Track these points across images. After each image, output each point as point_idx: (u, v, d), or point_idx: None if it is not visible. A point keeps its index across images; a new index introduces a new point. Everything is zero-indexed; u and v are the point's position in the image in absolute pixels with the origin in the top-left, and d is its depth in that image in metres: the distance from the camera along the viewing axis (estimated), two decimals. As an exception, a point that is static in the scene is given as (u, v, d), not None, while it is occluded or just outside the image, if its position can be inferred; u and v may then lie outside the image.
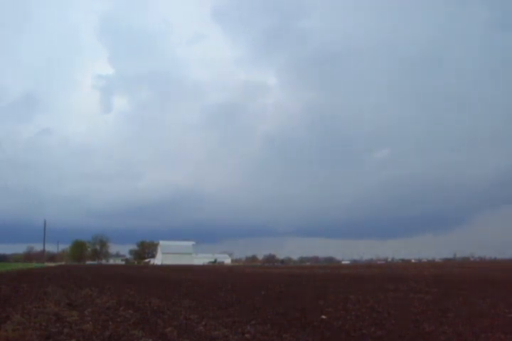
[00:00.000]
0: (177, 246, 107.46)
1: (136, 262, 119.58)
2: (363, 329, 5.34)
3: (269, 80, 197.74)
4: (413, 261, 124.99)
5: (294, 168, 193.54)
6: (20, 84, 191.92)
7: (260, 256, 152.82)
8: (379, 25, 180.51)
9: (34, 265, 60.73)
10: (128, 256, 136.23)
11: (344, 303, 8.06)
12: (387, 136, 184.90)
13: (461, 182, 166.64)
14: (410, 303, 8.03)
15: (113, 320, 6.03)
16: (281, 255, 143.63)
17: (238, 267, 53.20)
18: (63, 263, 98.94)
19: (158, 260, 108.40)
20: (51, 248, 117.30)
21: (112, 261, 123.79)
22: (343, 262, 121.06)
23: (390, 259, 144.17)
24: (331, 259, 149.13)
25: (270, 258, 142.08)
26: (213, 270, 36.77)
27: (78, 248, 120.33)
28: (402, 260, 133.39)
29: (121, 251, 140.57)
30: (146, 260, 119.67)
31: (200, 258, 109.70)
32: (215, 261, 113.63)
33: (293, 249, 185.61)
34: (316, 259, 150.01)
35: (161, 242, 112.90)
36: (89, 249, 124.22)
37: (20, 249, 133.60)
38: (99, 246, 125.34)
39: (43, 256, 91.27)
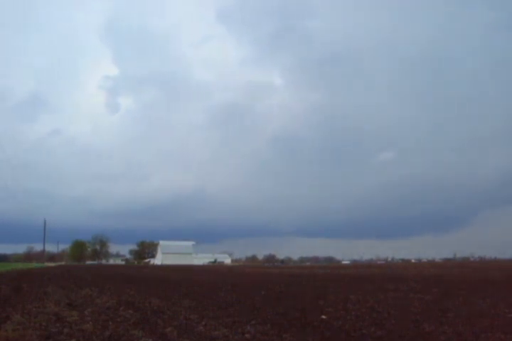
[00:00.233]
0: (177, 246, 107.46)
1: (136, 262, 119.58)
2: (363, 329, 5.34)
3: (274, 81, 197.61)
4: (413, 261, 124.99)
5: (295, 168, 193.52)
6: (25, 84, 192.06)
7: (260, 256, 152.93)
8: (383, 25, 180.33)
9: (34, 265, 60.74)
10: (128, 256, 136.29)
11: (344, 303, 8.06)
12: (388, 136, 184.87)
13: (461, 182, 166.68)
14: (410, 303, 8.04)
15: (113, 320, 6.03)
16: (281, 255, 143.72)
17: (238, 267, 53.20)
18: (63, 263, 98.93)
19: (158, 260, 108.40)
20: (51, 248, 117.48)
21: (112, 261, 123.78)
22: (343, 262, 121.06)
23: (390, 259, 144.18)
24: (331, 259, 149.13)
25: (270, 258, 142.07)
26: (213, 270, 36.77)
27: (78, 248, 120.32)
28: (402, 260, 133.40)
29: (121, 251, 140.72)
30: (146, 260, 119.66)
31: (200, 258, 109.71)
32: (215, 261, 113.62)
33: (293, 249, 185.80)
34: (316, 259, 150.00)
35: (161, 242, 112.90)
36: (89, 249, 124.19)
37: (20, 249, 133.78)
38: (99, 246, 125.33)
39: (43, 256, 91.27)
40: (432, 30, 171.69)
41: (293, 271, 32.61)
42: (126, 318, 6.24)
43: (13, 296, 9.70)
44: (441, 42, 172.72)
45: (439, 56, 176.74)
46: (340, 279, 18.25)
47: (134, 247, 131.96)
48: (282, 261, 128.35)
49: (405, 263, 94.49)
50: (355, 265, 71.62)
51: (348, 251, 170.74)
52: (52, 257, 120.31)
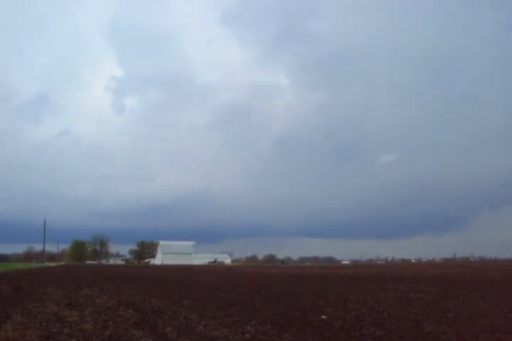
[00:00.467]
0: (177, 246, 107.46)
1: (136, 262, 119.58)
2: (363, 329, 5.34)
3: (279, 81, 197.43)
4: (413, 261, 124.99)
5: (294, 169, 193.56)
6: (30, 85, 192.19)
7: (260, 256, 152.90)
8: (386, 25, 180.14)
9: (34, 265, 60.74)
10: (128, 256, 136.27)
11: (344, 303, 8.06)
12: (389, 136, 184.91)
13: (461, 182, 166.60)
14: (410, 303, 8.04)
15: (113, 320, 6.03)
16: (281, 255, 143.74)
17: (238, 267, 53.20)
18: (63, 263, 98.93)
19: (158, 260, 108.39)
20: (51, 248, 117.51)
21: (112, 261, 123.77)
22: (343, 262, 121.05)
23: (390, 259, 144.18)
24: (331, 259, 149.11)
25: (270, 258, 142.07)
26: (213, 270, 36.77)
27: (78, 248, 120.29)
28: (402, 260, 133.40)
29: (121, 251, 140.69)
30: (146, 260, 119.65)
31: (200, 258, 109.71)
32: (215, 261, 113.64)
33: (293, 249, 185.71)
34: (316, 259, 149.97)
35: (161, 242, 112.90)
36: (89, 249, 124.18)
37: (20, 249, 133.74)
38: (99, 246, 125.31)
39: (43, 256, 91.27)
40: (433, 30, 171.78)
41: (293, 271, 32.61)
42: (126, 318, 6.24)
43: (13, 296, 9.70)
44: (441, 42, 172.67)
45: (439, 56, 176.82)
46: (340, 279, 18.25)
47: (134, 247, 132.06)
48: (282, 261, 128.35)
49: (405, 263, 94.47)
50: (355, 265, 71.61)
51: (348, 251, 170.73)
52: (52, 257, 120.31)
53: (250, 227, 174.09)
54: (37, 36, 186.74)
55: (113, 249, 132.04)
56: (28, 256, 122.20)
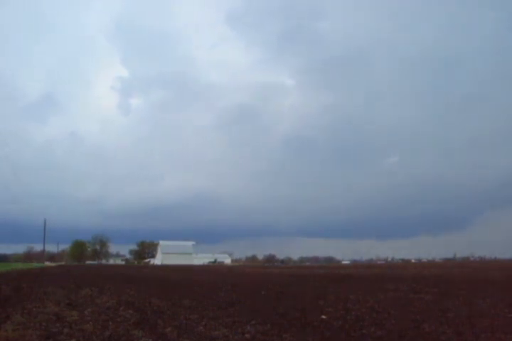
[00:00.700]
0: (177, 246, 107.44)
1: (136, 262, 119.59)
2: (363, 329, 5.34)
3: (284, 82, 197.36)
4: (413, 261, 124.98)
5: (295, 169, 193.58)
6: (36, 85, 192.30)
7: (260, 256, 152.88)
8: (393, 26, 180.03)
9: (34, 265, 60.74)
10: (128, 256, 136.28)
11: (344, 303, 8.06)
12: (390, 137, 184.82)
13: (461, 182, 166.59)
14: (410, 303, 8.04)
15: (113, 320, 6.03)
16: (281, 255, 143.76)
17: (238, 267, 53.20)
18: (63, 263, 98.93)
19: (158, 260, 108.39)
20: (51, 248, 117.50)
21: (112, 261, 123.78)
22: (343, 262, 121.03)
23: (390, 259, 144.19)
24: (331, 259, 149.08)
25: (270, 258, 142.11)
26: (213, 270, 36.77)
27: (78, 248, 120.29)
28: (402, 260, 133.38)
29: (121, 251, 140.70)
30: (146, 260, 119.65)
31: (200, 258, 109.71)
32: (215, 261, 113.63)
33: (293, 249, 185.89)
34: (316, 259, 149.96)
35: (161, 242, 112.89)
36: (89, 249, 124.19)
37: (20, 249, 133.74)
38: (99, 246, 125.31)
39: (43, 256, 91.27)
40: (435, 30, 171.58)
41: (293, 271, 32.60)
42: (126, 318, 6.24)
43: (13, 296, 9.70)
44: (443, 43, 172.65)
45: (440, 56, 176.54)
46: (340, 279, 18.25)
47: (134, 247, 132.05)
48: (282, 261, 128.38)
49: (405, 263, 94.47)
50: (355, 265, 71.62)
51: (348, 251, 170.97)
52: (52, 257, 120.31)
53: (250, 227, 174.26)
54: (42, 37, 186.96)
55: (113, 249, 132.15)
56: (28, 256, 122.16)
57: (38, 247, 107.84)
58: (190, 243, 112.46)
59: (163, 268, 46.86)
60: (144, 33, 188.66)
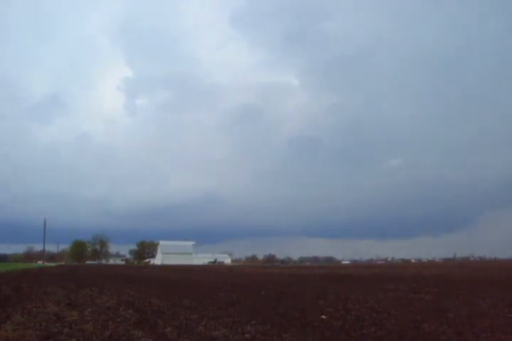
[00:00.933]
0: (177, 246, 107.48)
1: (136, 262, 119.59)
2: (363, 329, 5.34)
3: (288, 82, 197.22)
4: (413, 261, 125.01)
5: (296, 169, 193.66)
6: (41, 86, 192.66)
7: (260, 256, 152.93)
8: (399, 26, 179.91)
9: (33, 265, 60.72)
10: (128, 256, 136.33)
11: (344, 303, 8.06)
12: (391, 137, 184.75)
13: (461, 182, 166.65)
14: (410, 303, 8.03)
15: (113, 320, 6.03)
16: (281, 255, 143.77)
17: (238, 267, 53.19)
18: (63, 263, 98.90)
19: (158, 260, 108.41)
20: (51, 248, 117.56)
21: (112, 261, 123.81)
22: (343, 262, 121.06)
23: (390, 259, 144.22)
24: (331, 259, 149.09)
25: (270, 258, 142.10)
26: (213, 270, 36.76)
27: (78, 248, 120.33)
28: (402, 260, 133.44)
29: (121, 251, 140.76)
30: (146, 260, 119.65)
31: (200, 258, 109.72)
32: (215, 261, 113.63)
33: (293, 249, 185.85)
34: (316, 259, 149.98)
35: (161, 242, 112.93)
36: (89, 249, 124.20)
37: (20, 249, 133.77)
38: (99, 246, 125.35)
39: (43, 256, 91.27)
40: (439, 32, 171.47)
41: (293, 271, 32.60)
42: (126, 318, 6.24)
43: (13, 296, 9.70)
44: (446, 43, 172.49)
45: (445, 56, 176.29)
46: (340, 279, 18.25)
47: (134, 247, 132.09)
48: (282, 261, 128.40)
49: (405, 263, 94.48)
50: (355, 265, 71.61)
51: (348, 251, 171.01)
52: (52, 257, 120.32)
53: (250, 227, 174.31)
54: (47, 37, 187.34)
55: (113, 249, 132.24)
56: (28, 256, 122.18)
57: (38, 247, 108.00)
58: (190, 243, 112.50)
59: (163, 268, 46.85)
60: (149, 33, 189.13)
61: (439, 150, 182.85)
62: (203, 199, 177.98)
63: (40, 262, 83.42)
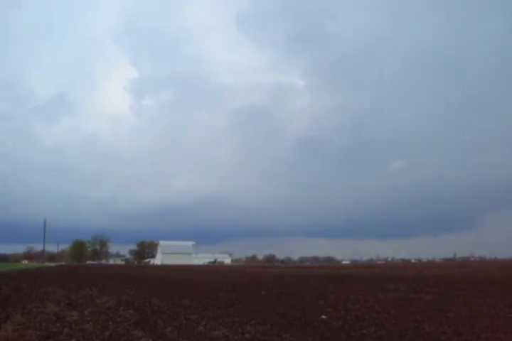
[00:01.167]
0: (177, 246, 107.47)
1: (136, 262, 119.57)
2: (363, 329, 5.34)
3: (294, 83, 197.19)
4: (413, 261, 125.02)
5: (296, 170, 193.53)
6: (47, 86, 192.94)
7: (260, 256, 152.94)
8: (404, 26, 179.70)
9: (33, 265, 60.71)
10: (128, 256, 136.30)
11: (344, 303, 8.06)
12: (392, 137, 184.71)
13: (461, 182, 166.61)
14: (410, 303, 8.03)
15: (113, 320, 6.03)
16: (281, 255, 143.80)
17: (238, 267, 53.20)
18: (63, 263, 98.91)
19: (158, 260, 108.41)
20: (51, 248, 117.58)
21: (112, 261, 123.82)
22: (343, 262, 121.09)
23: (390, 259, 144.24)
24: (331, 259, 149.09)
25: (270, 258, 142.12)
26: (213, 270, 36.76)
27: (78, 248, 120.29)
28: (402, 260, 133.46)
29: (121, 251, 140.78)
30: (146, 260, 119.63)
31: (200, 258, 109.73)
32: (215, 261, 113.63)
33: (293, 249, 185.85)
34: (316, 259, 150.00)
35: (161, 242, 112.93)
36: (89, 249, 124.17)
37: (20, 249, 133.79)
38: (99, 246, 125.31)
39: (43, 256, 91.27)
40: (439, 32, 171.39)
41: (293, 271, 32.60)
42: (126, 318, 6.24)
43: (13, 296, 9.70)
44: (443, 43, 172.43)
45: (446, 56, 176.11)
46: (340, 279, 18.25)
47: (134, 247, 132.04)
48: (282, 261, 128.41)
49: (405, 263, 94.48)
50: (355, 265, 71.61)
51: (348, 251, 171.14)
52: (52, 257, 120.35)
53: (250, 227, 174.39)
54: (53, 38, 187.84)
55: (113, 249, 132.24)
56: (28, 256, 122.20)
57: (38, 247, 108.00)
58: (190, 243, 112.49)
59: (163, 268, 46.86)
60: (155, 34, 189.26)
61: (439, 151, 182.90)
62: (204, 199, 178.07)
63: (25, 262, 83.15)
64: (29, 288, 12.38)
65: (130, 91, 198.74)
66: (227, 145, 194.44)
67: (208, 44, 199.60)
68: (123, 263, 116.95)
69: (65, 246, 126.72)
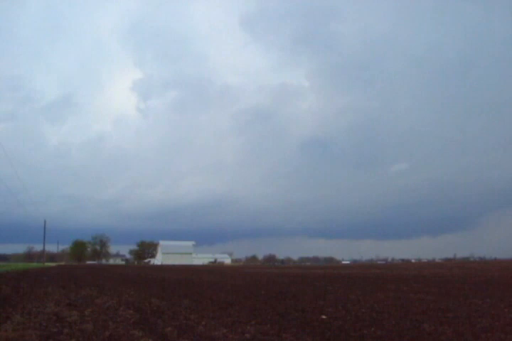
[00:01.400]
0: (177, 246, 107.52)
1: (136, 262, 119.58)
2: (363, 329, 5.34)
3: (299, 84, 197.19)
4: (413, 261, 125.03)
5: (299, 170, 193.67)
6: (53, 88, 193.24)
7: (260, 256, 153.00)
8: (409, 28, 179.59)
9: (33, 265, 60.71)
10: (128, 256, 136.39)
11: (344, 303, 8.06)
12: (393, 139, 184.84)
13: (462, 183, 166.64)
14: (410, 303, 8.03)
15: (113, 320, 6.03)
16: (281, 255, 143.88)
17: (238, 267, 53.18)
18: (63, 263, 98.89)
19: (158, 260, 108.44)
20: (51, 248, 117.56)
21: (111, 261, 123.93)
22: (343, 262, 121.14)
23: (390, 259, 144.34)
24: (331, 259, 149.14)
25: (270, 258, 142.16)
26: (213, 270, 36.76)
27: (78, 248, 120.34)
28: (402, 260, 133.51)
29: (121, 251, 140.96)
30: (146, 260, 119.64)
31: (200, 258, 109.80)
32: (215, 261, 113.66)
33: (293, 249, 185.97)
34: (316, 259, 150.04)
35: (161, 242, 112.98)
36: (89, 249, 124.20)
37: (20, 249, 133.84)
38: (99, 246, 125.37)
39: (43, 256, 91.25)
40: (446, 34, 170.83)
41: (293, 271, 32.60)
42: (126, 318, 6.24)
43: (13, 296, 9.70)
44: (447, 45, 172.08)
45: (453, 58, 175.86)
46: (340, 279, 18.25)
47: (134, 247, 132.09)
48: (282, 261, 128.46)
49: (405, 263, 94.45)
50: (355, 265, 71.59)
51: (348, 251, 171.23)
52: (52, 257, 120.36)
53: (251, 228, 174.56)
54: (59, 39, 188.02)
55: (113, 249, 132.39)
56: (28, 256, 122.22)
57: (38, 247, 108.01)
58: (190, 243, 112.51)
59: (163, 268, 46.84)
60: (159, 35, 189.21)
61: (440, 152, 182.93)
62: (207, 200, 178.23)
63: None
64: (29, 288, 12.38)
65: (136, 92, 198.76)
66: (231, 146, 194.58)
67: (214, 45, 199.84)
68: (123, 263, 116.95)
69: (65, 246, 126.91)
